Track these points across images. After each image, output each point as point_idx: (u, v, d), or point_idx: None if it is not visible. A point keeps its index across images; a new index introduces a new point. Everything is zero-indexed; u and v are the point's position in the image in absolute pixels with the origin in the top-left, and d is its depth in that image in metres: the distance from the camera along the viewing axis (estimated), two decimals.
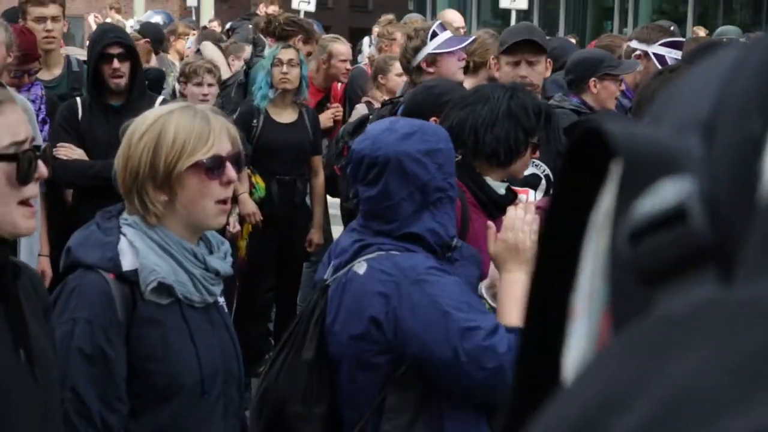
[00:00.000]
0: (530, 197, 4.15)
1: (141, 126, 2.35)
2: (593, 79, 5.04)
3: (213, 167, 2.33)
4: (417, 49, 5.05)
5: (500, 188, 3.37)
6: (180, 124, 2.33)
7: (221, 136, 2.36)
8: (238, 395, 2.50)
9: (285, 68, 6.03)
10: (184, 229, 2.38)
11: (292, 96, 6.06)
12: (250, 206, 5.92)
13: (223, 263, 2.45)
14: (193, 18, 23.42)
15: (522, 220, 2.58)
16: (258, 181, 6.02)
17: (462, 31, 8.71)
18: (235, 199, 5.90)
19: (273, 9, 9.46)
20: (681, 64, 3.12)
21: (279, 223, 5.97)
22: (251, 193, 6.01)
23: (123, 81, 4.89)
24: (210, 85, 6.08)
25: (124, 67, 4.89)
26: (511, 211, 2.63)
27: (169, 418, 2.32)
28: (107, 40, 4.95)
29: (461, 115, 3.37)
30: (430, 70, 4.99)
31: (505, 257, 2.56)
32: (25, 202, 1.98)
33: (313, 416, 2.60)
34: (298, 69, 6.01)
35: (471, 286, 2.63)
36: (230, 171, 2.37)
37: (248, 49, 7.99)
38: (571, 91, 5.15)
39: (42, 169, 1.99)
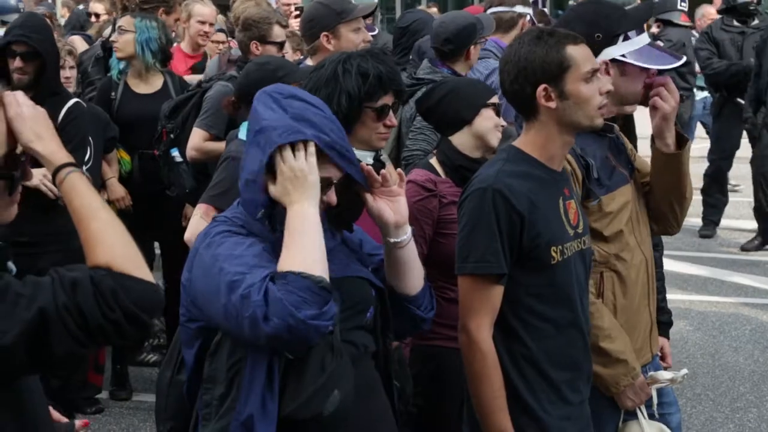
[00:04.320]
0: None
1: None
2: (472, 45, 5.01)
3: None
4: None
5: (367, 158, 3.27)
6: None
7: None
8: None
9: (115, 35, 5.90)
10: None
11: (140, 64, 5.83)
12: (118, 191, 5.77)
13: None
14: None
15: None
16: (123, 155, 5.81)
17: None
18: (103, 184, 5.70)
19: None
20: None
21: (147, 200, 5.75)
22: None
23: (25, 78, 4.86)
24: (71, 67, 5.95)
25: (29, 67, 4.86)
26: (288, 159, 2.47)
27: None
28: (12, 37, 4.88)
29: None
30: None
31: (288, 188, 2.45)
32: None
33: (178, 381, 2.74)
34: (129, 35, 5.79)
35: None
36: None
37: (108, 29, 7.71)
38: (443, 60, 5.07)
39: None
